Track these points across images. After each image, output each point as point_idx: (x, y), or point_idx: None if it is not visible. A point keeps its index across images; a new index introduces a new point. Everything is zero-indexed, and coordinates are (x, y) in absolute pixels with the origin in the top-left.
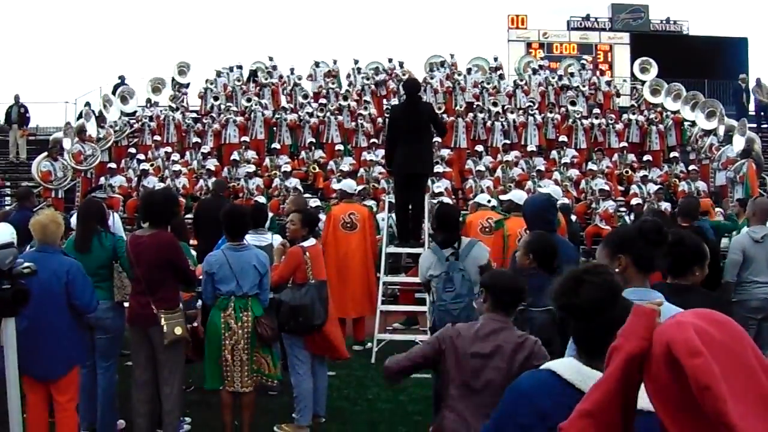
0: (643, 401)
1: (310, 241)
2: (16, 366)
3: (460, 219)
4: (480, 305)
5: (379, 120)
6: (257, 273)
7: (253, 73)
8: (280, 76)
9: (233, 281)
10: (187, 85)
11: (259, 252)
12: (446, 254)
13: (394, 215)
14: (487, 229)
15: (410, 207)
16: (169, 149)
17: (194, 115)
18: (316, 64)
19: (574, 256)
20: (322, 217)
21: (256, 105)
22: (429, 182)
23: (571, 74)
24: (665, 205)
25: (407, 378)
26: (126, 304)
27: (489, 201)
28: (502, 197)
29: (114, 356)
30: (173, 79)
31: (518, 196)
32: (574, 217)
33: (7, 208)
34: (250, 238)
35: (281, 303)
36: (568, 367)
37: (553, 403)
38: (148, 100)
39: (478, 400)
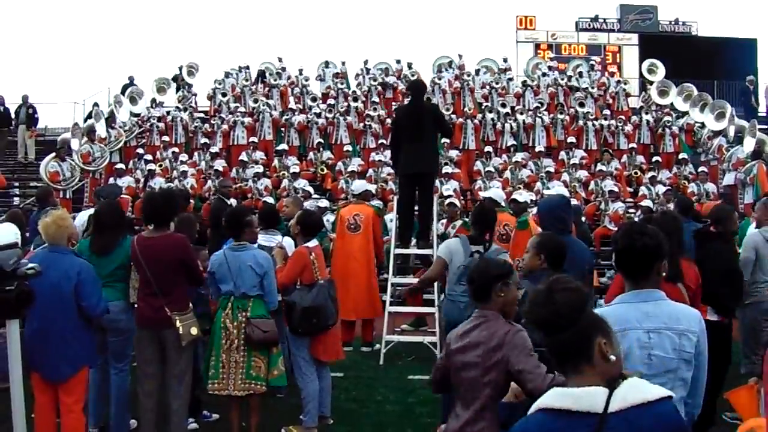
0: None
1: (314, 242)
2: (20, 367)
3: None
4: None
5: (388, 121)
6: (254, 274)
7: (261, 74)
8: (289, 77)
9: (231, 281)
10: (191, 86)
11: (258, 253)
12: (472, 250)
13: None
14: (504, 237)
15: (418, 208)
16: (176, 150)
17: (202, 115)
18: (326, 65)
19: (588, 257)
20: (331, 218)
21: (264, 106)
22: (437, 183)
23: (580, 74)
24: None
25: (415, 380)
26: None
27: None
28: (482, 194)
29: (127, 357)
30: (181, 80)
31: (497, 194)
32: (583, 219)
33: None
34: (260, 238)
35: (294, 305)
36: (554, 396)
37: None
38: (153, 100)
39: (462, 393)
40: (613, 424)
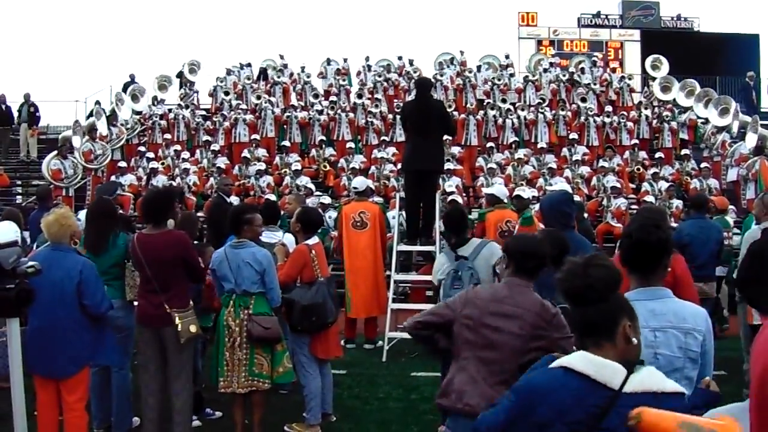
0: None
1: (314, 239)
2: (21, 366)
3: (475, 217)
4: (502, 270)
5: (389, 117)
6: (254, 271)
7: (263, 71)
8: (291, 74)
9: (232, 279)
10: (193, 83)
11: (257, 250)
12: (455, 254)
13: (404, 212)
14: (506, 233)
15: (421, 205)
16: (178, 147)
17: (204, 113)
18: (327, 62)
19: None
20: (333, 214)
21: (266, 103)
22: (440, 180)
23: (582, 70)
24: (677, 203)
25: (419, 377)
26: (135, 303)
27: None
28: (485, 190)
29: (127, 355)
30: (183, 77)
31: (500, 191)
32: (585, 215)
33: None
34: (262, 235)
35: (293, 303)
36: (580, 359)
37: (573, 397)
38: (155, 98)
39: (489, 359)
40: (624, 402)
